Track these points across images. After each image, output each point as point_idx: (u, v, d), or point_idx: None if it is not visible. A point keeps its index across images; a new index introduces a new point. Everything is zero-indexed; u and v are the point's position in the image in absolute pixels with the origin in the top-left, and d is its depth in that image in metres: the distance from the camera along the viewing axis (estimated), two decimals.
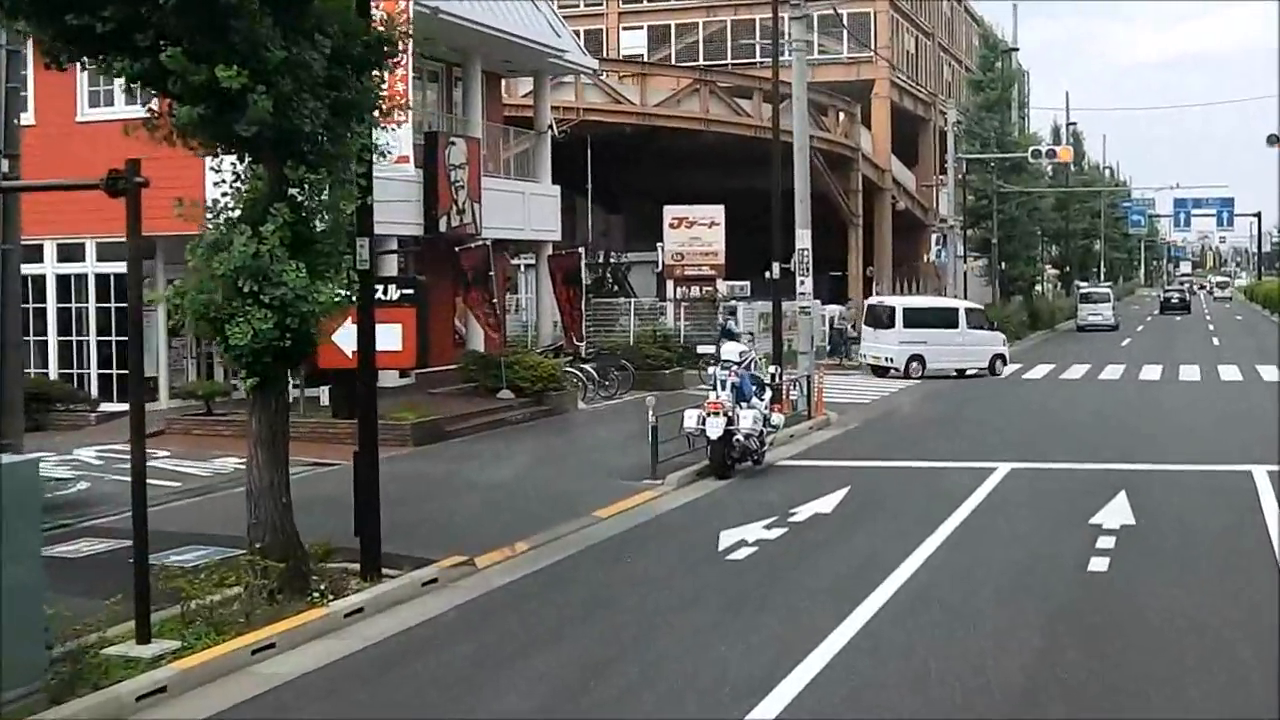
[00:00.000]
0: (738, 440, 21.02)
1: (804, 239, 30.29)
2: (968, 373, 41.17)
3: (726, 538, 16.23)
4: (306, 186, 12.84)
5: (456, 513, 18.04)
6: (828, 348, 45.79)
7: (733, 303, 44.43)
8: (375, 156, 24.98)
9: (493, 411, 27.90)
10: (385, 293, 24.05)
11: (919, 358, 41.26)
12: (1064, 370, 43.86)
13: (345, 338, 23.86)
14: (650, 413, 20.80)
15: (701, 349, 20.95)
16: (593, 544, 16.34)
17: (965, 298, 56.83)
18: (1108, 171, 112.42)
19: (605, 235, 64.77)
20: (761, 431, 21.71)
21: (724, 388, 21.36)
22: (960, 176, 58.47)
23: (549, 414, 28.87)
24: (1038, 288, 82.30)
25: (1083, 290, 76.70)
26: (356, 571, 13.94)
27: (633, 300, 45.27)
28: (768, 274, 29.47)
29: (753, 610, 12.93)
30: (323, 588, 13.03)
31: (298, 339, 12.59)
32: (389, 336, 24.11)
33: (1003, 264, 64.04)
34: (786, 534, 16.56)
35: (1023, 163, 62.76)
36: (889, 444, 25.62)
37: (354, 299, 13.56)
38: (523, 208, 34.85)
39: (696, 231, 44.89)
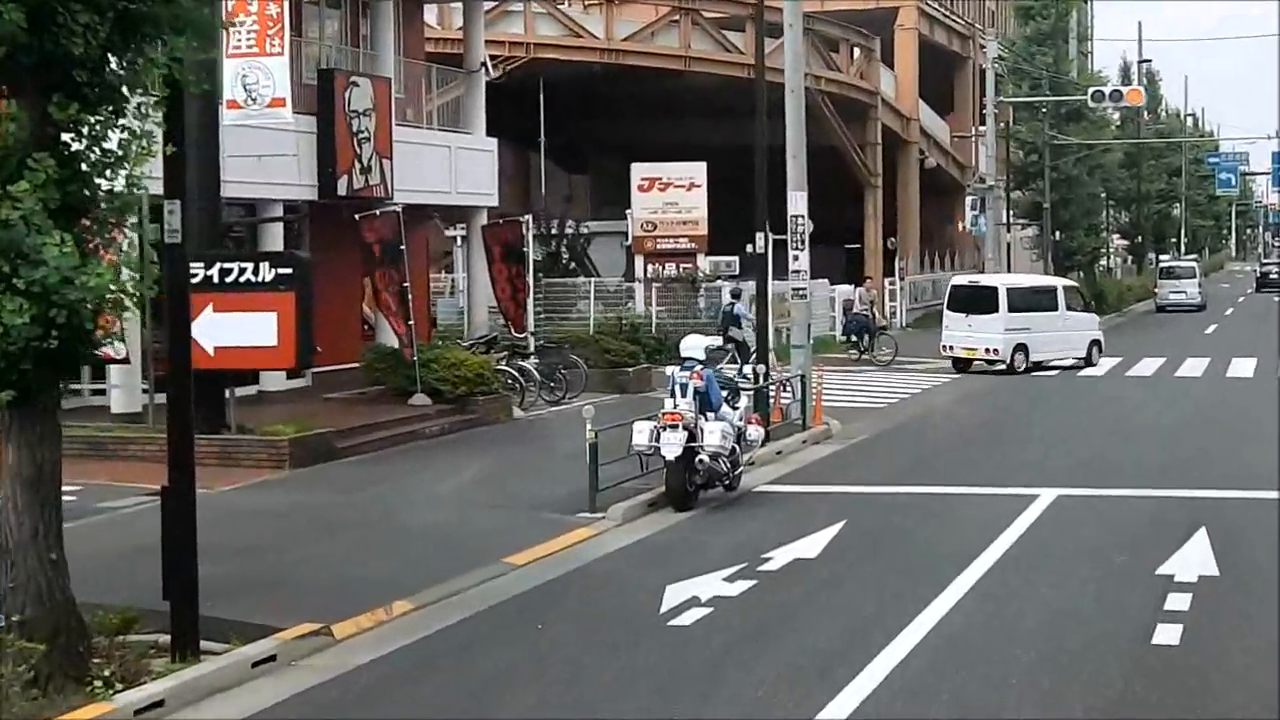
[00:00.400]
0: (701, 461, 19.57)
1: (798, 203, 28.86)
2: (1064, 365, 41.31)
3: (674, 594, 14.81)
4: (82, 131, 11.31)
5: (326, 561, 16.62)
6: (844, 338, 44.71)
7: (738, 284, 42.84)
8: (244, 99, 23.88)
9: (402, 422, 26.46)
10: (256, 273, 22.73)
11: (1023, 348, 40.46)
12: (1133, 364, 42.44)
13: (206, 330, 22.61)
14: (589, 425, 19.27)
15: (685, 347, 19.46)
16: (495, 604, 14.93)
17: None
18: (1190, 120, 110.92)
19: (568, 201, 63.47)
20: (734, 449, 20.26)
21: (684, 394, 19.89)
22: (1003, 126, 56.95)
23: (474, 424, 27.42)
24: (1102, 262, 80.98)
25: (1164, 264, 76.15)
26: (168, 646, 12.49)
27: (593, 281, 43.80)
28: (750, 247, 27.88)
29: (693, 701, 11.47)
30: (108, 673, 11.54)
31: (69, 337, 11.06)
32: (260, 329, 22.90)
33: (1057, 233, 62.54)
34: (754, 589, 15.15)
35: (1082, 108, 61.20)
36: (902, 463, 24.21)
37: (155, 283, 11.93)
38: (449, 166, 33.49)
39: (672, 195, 43.57)
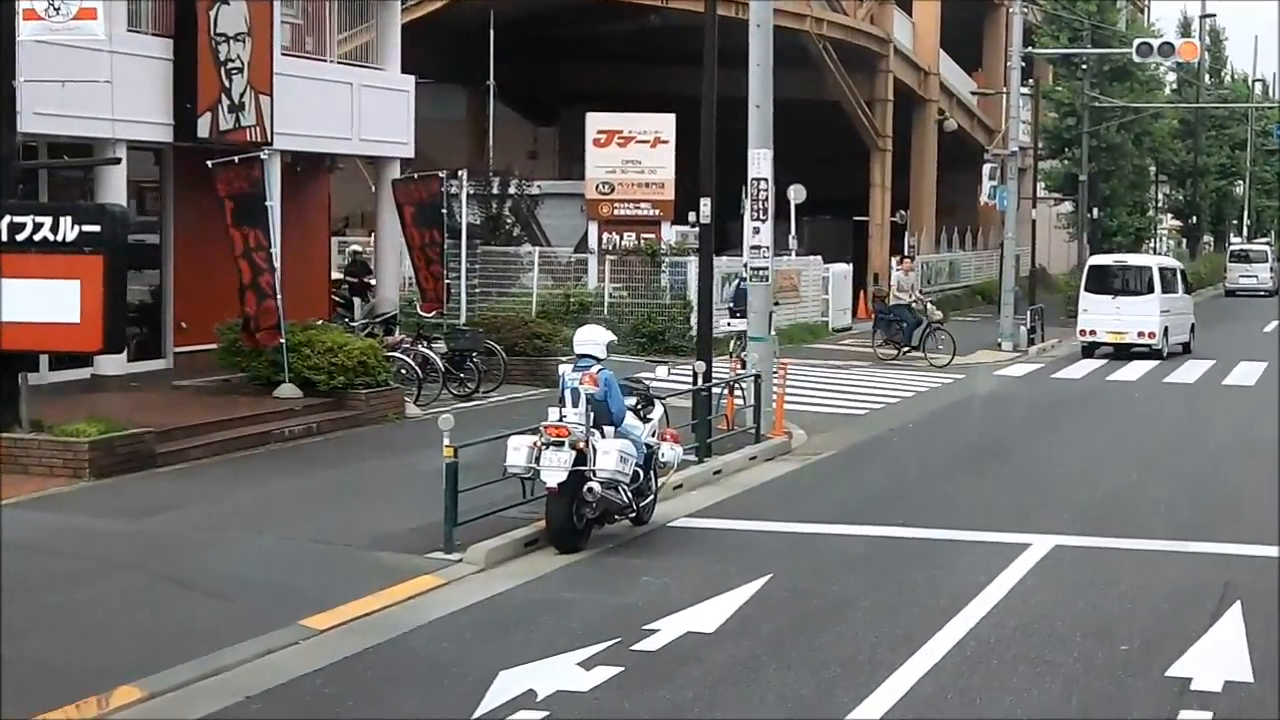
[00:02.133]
0: (591, 491, 16.66)
1: (761, 163, 25.96)
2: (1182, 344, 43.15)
3: (505, 686, 12.01)
4: None
5: (62, 620, 13.81)
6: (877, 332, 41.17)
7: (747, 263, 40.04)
8: (45, 8, 20.83)
9: (255, 419, 23.57)
10: (55, 230, 19.88)
11: (1166, 330, 42.38)
12: (1175, 368, 39.27)
13: None
14: (446, 438, 16.34)
15: (580, 340, 16.54)
16: (255, 693, 12.02)
17: (1034, 255, 52.53)
18: (1258, 86, 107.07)
19: (533, 157, 60.54)
20: (641, 474, 17.34)
21: (575, 402, 16.96)
22: (1032, 83, 53.82)
23: (352, 424, 24.54)
24: (1148, 243, 77.97)
25: (1235, 247, 75.80)
26: None
27: (537, 251, 40.80)
28: (693, 216, 24.92)
29: None
30: None
31: None
32: (59, 301, 20.12)
33: (1095, 210, 59.45)
34: (615, 682, 12.28)
35: (1128, 65, 58.04)
36: (866, 493, 21.35)
37: None
38: (353, 107, 30.42)
39: (634, 151, 40.74)
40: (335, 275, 36.60)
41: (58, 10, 20.63)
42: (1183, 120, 74.69)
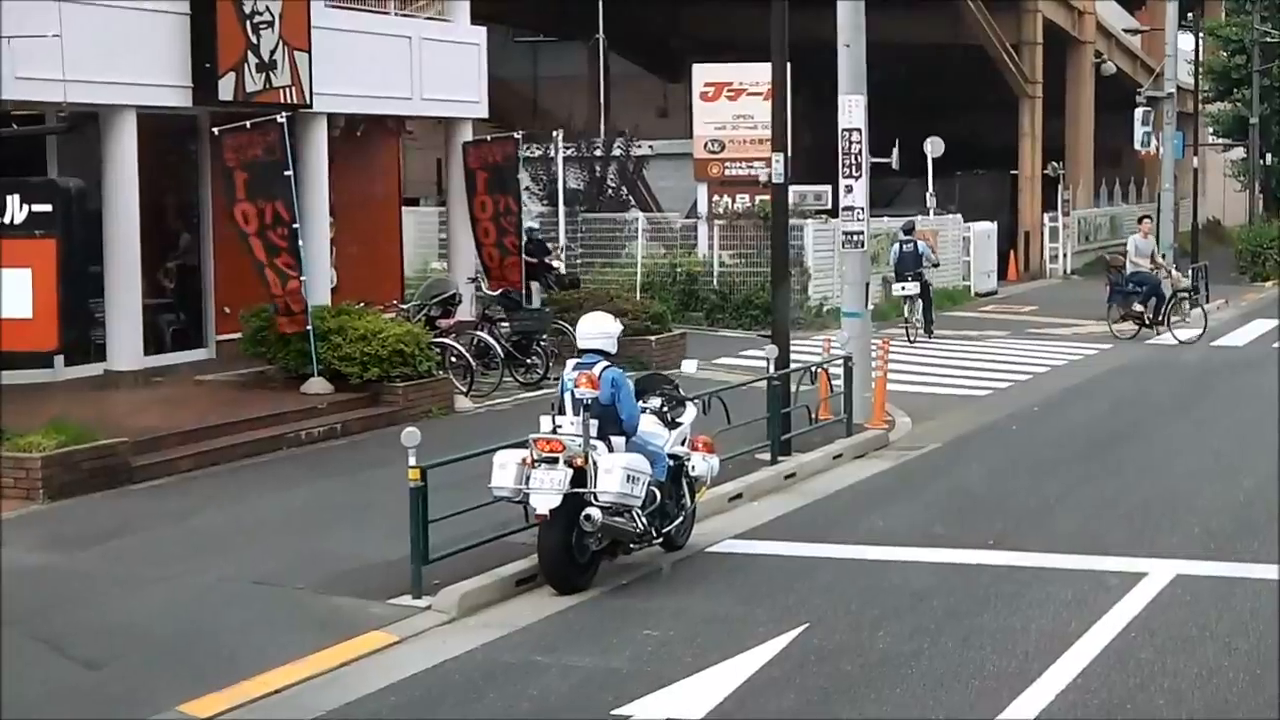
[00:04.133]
0: (589, 519, 13.52)
1: (853, 112, 22.58)
2: None
3: None
4: None
5: None
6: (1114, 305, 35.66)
7: (910, 219, 36.77)
8: None
9: (275, 420, 20.77)
10: (2, 212, 17.18)
11: None
12: None
13: None
14: (411, 456, 13.31)
15: (584, 331, 13.51)
16: None
17: (1195, 207, 48.48)
18: None
19: (664, 116, 57.31)
20: (659, 494, 14.21)
21: (575, 409, 13.87)
22: (1190, 16, 49.64)
23: (387, 422, 21.49)
24: None
25: None
26: None
27: (641, 217, 37.61)
28: (766, 175, 21.65)
29: None
30: None
31: None
32: (9, 293, 17.21)
33: (1268, 156, 55.15)
34: None
35: None
36: (956, 501, 18.00)
37: None
38: (410, 62, 27.39)
39: (745, 105, 37.31)
40: None
41: None
42: None
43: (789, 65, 36.39)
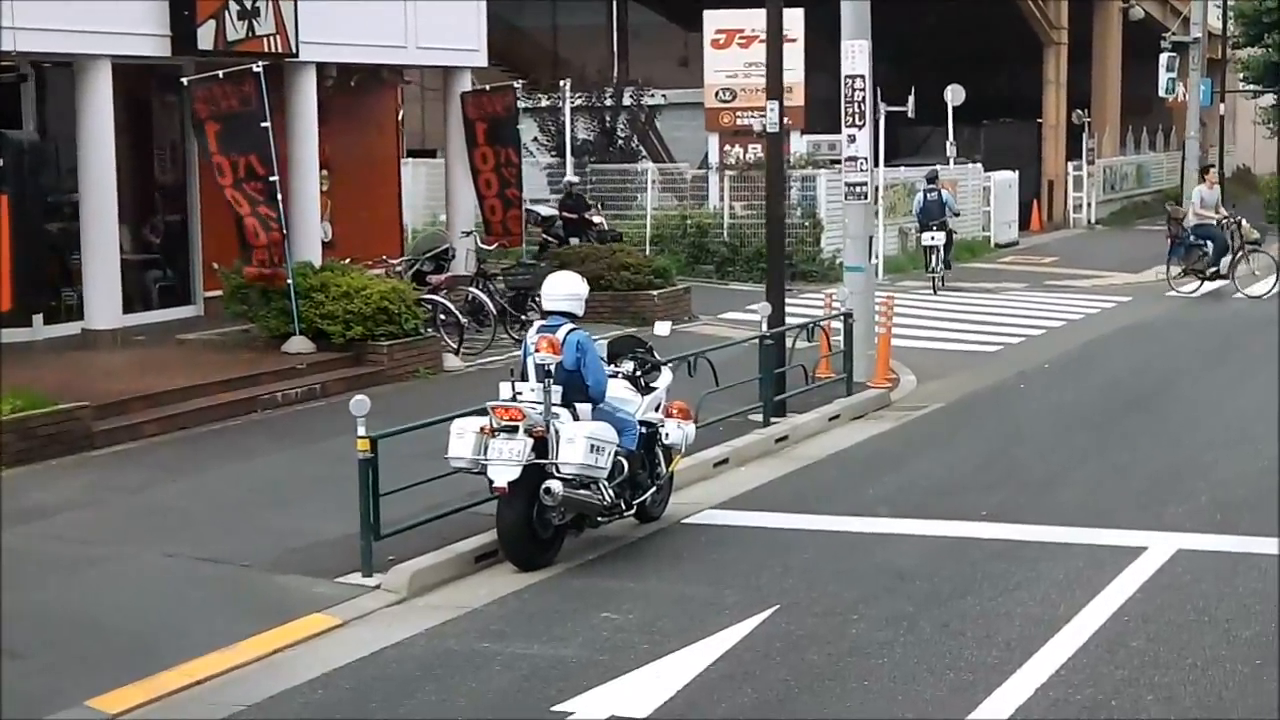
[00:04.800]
0: (549, 493, 12.56)
1: (856, 58, 21.59)
2: None
3: None
4: None
5: None
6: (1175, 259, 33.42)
7: (933, 168, 35.85)
8: None
9: (250, 381, 19.87)
10: None
11: None
12: None
13: None
14: (361, 426, 12.38)
15: (550, 292, 12.44)
16: None
17: (1221, 154, 47.26)
18: None
19: (685, 66, 56.02)
20: (626, 465, 13.23)
21: (538, 375, 12.92)
22: None
23: (370, 382, 20.51)
24: None
25: None
26: None
27: (652, 168, 36.58)
28: (760, 124, 20.65)
29: None
30: None
31: None
32: None
33: None
34: None
35: None
36: (952, 469, 17.00)
37: None
38: (405, 10, 26.39)
39: (758, 52, 35.93)
40: (548, 211, 32.57)
41: None
42: None
43: (803, 11, 35.74)
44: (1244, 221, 33.50)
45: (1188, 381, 22.33)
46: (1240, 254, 32.25)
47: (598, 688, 10.03)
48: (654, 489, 13.96)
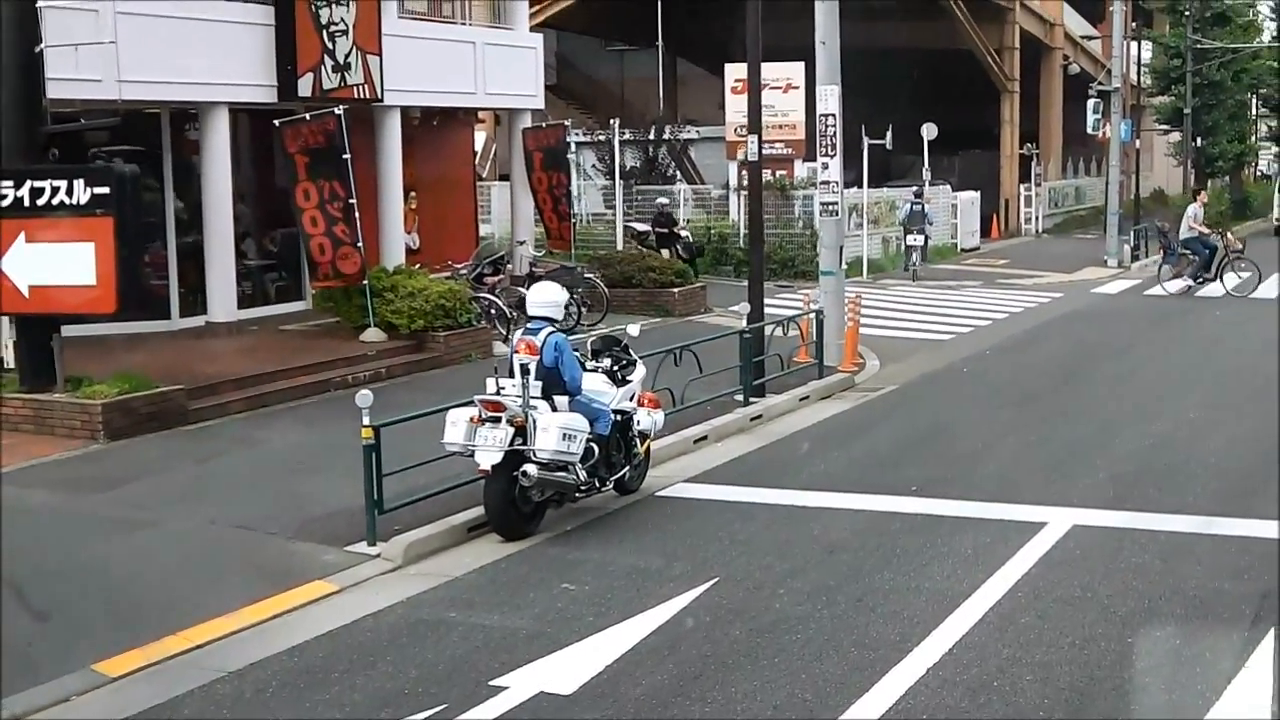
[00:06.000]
0: (526, 474, 10.95)
1: (828, 99, 19.82)
2: None
3: None
4: None
5: None
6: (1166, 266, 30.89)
7: (919, 186, 34.30)
8: None
9: (328, 365, 18.30)
10: (70, 193, 14.77)
11: None
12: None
13: (18, 265, 14.83)
14: (365, 416, 10.83)
15: (534, 300, 10.80)
16: None
17: (1137, 179, 45.18)
18: None
19: (722, 109, 54.27)
20: (597, 449, 11.61)
21: (524, 371, 11.30)
22: (1133, 28, 46.03)
23: (430, 365, 19.13)
24: (1260, 167, 69.03)
25: None
26: None
27: (685, 188, 34.90)
28: (740, 154, 18.91)
29: None
30: None
31: None
32: (76, 263, 14.86)
33: (1198, 139, 51.49)
34: None
35: (1227, 13, 50.02)
36: (900, 443, 15.36)
37: None
38: (474, 64, 24.79)
39: (768, 97, 33.99)
40: (643, 227, 31.07)
41: None
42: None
43: (803, 64, 33.86)
44: (1229, 234, 31.19)
45: (1098, 365, 20.49)
46: (1226, 260, 29.80)
47: (536, 662, 8.48)
48: (627, 468, 12.35)
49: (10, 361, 15.97)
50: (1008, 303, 28.76)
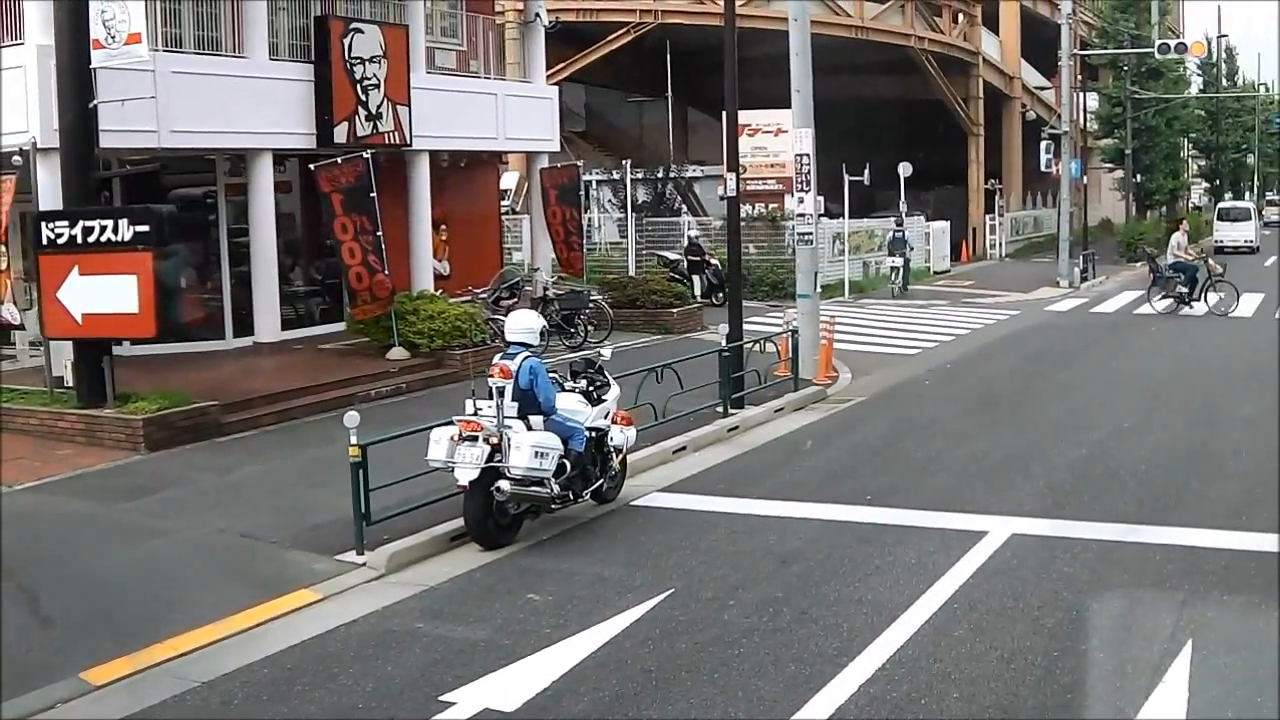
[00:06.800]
0: (500, 489, 10.03)
1: (804, 141, 18.83)
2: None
3: None
4: None
5: None
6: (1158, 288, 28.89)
7: (901, 215, 33.44)
8: (105, 37, 14.64)
9: (353, 381, 17.38)
10: (116, 231, 13.91)
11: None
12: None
13: (72, 295, 14.00)
14: (353, 435, 9.91)
15: (512, 328, 9.99)
16: None
17: (1085, 210, 44.06)
18: (1262, 88, 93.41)
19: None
20: (568, 465, 10.67)
21: (500, 393, 10.36)
22: (1078, 81, 44.91)
23: (447, 381, 18.16)
24: (1192, 201, 67.62)
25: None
26: None
27: (689, 220, 33.93)
28: (721, 189, 17.90)
29: None
30: None
31: None
32: (121, 293, 14.05)
33: (1138, 176, 50.28)
34: None
35: (1160, 67, 48.81)
36: (860, 453, 14.36)
37: None
38: (495, 112, 23.86)
39: (761, 140, 33.52)
40: (674, 256, 30.19)
41: (113, 38, 14.54)
42: (1209, 111, 64.12)
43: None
44: (1210, 260, 29.71)
45: (1045, 378, 19.42)
46: (1208, 283, 28.45)
47: (488, 676, 7.58)
48: (603, 480, 11.41)
49: (70, 380, 15.17)
50: (971, 320, 27.71)
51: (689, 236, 30.82)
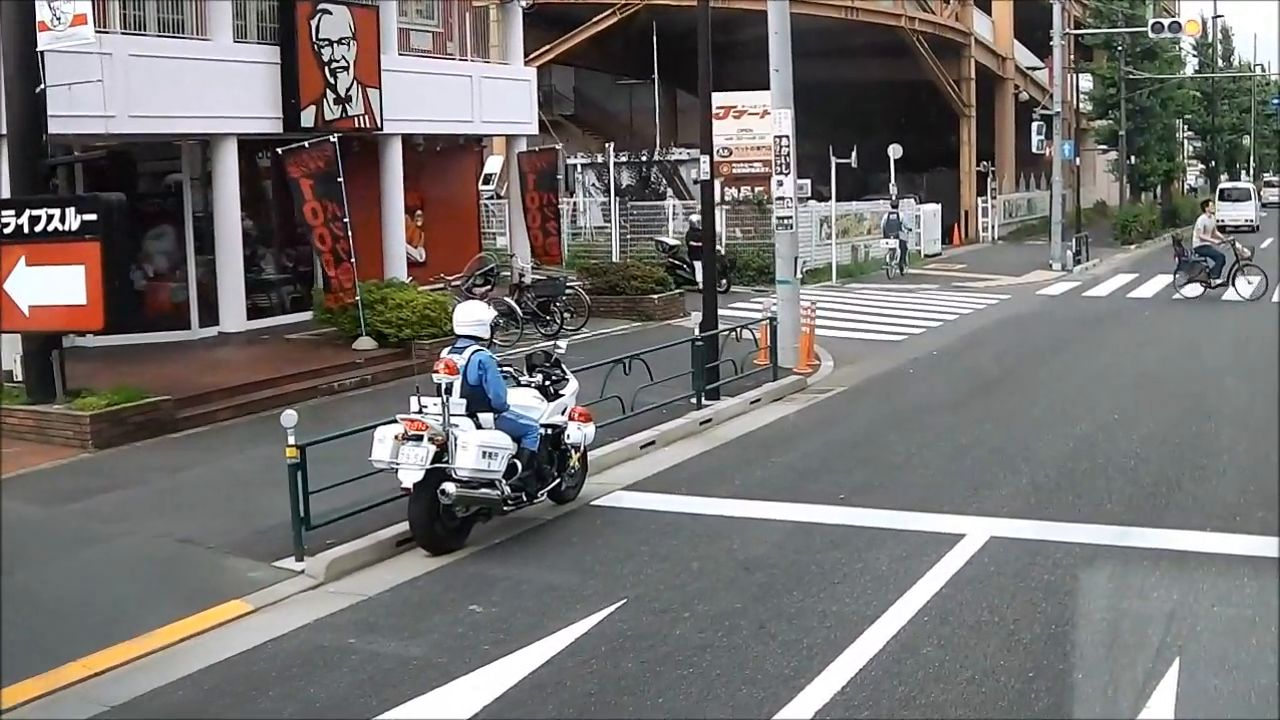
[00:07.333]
0: (445, 492, 9.43)
1: (783, 122, 18.21)
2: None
3: None
4: None
5: None
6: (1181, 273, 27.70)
7: (895, 197, 32.95)
8: (50, 19, 13.95)
9: (317, 373, 16.77)
10: (63, 220, 13.33)
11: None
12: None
13: (19, 287, 13.41)
14: (290, 435, 9.30)
15: (460, 320, 9.37)
16: None
17: (1078, 192, 43.40)
18: (1258, 69, 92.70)
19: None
20: (520, 465, 10.08)
21: (446, 390, 9.76)
22: (1071, 62, 44.21)
23: (415, 372, 17.34)
24: (1188, 182, 66.94)
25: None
26: None
27: (670, 203, 33.31)
28: (694, 172, 17.31)
29: None
30: None
31: None
32: (69, 284, 13.38)
33: (1132, 158, 49.62)
34: None
35: (1154, 48, 48.07)
36: (837, 448, 13.76)
37: None
38: (471, 95, 23.22)
39: (747, 122, 32.85)
40: (673, 241, 29.38)
41: (59, 20, 13.93)
42: (1204, 92, 63.40)
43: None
44: (1237, 243, 28.48)
45: (1033, 367, 18.84)
46: (1236, 267, 27.43)
47: (418, 699, 7.00)
48: (560, 479, 10.81)
49: (19, 375, 14.57)
50: (960, 304, 27.13)
51: (690, 222, 29.94)
